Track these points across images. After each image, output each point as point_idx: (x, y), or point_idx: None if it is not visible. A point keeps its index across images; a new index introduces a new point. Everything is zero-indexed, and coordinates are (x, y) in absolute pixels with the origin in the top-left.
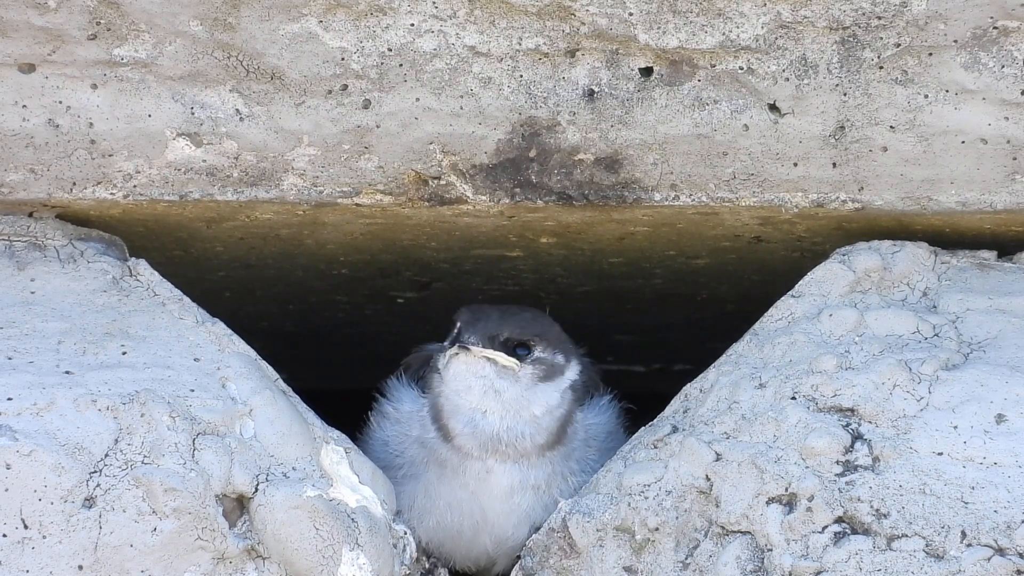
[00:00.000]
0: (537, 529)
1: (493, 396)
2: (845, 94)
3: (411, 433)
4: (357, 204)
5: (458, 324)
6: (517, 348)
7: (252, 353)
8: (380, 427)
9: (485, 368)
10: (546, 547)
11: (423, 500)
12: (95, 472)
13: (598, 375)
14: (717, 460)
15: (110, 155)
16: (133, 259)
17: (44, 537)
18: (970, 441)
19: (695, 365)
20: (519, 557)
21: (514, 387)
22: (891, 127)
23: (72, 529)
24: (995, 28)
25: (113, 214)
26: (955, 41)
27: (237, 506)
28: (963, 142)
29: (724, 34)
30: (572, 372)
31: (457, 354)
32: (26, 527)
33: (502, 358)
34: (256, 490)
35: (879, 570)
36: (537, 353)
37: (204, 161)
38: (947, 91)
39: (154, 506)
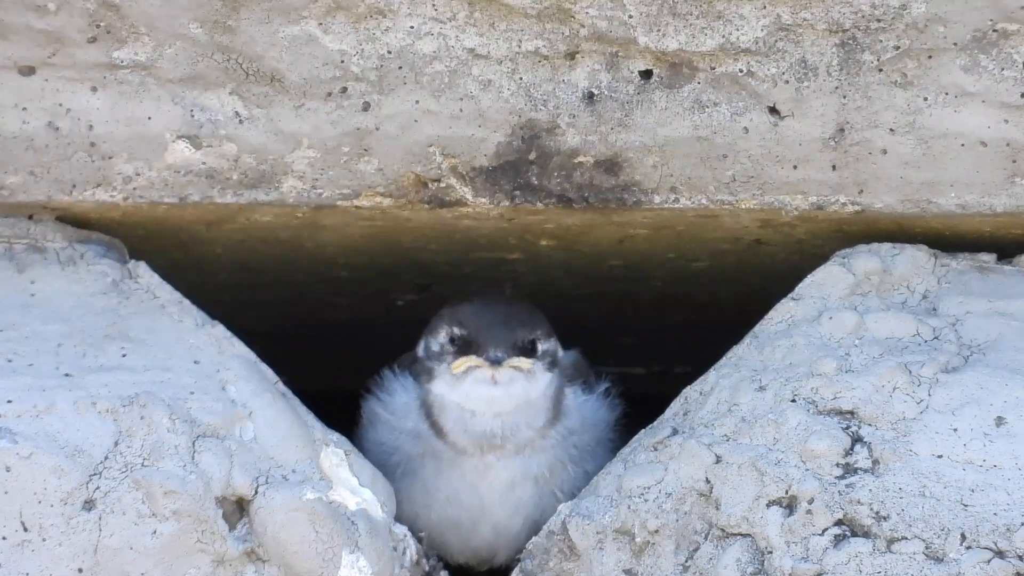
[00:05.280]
0: (535, 524)
1: (499, 402)
2: (845, 97)
3: (406, 426)
4: (357, 206)
5: (459, 332)
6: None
7: (252, 355)
8: (373, 425)
9: (513, 387)
10: (546, 550)
11: (422, 495)
12: (95, 474)
13: (585, 361)
14: (717, 462)
15: (110, 157)
16: (133, 261)
17: (44, 540)
18: (970, 444)
19: (695, 368)
20: (519, 559)
21: (527, 386)
22: (891, 130)
23: (72, 532)
24: (995, 31)
25: (113, 216)
26: (955, 44)
27: (237, 509)
28: (963, 145)
29: (724, 36)
30: (560, 353)
31: (489, 379)
32: (26, 530)
33: (524, 363)
34: (256, 492)
35: (879, 572)
36: (541, 347)
37: (204, 163)
38: (947, 94)
39: (154, 508)
